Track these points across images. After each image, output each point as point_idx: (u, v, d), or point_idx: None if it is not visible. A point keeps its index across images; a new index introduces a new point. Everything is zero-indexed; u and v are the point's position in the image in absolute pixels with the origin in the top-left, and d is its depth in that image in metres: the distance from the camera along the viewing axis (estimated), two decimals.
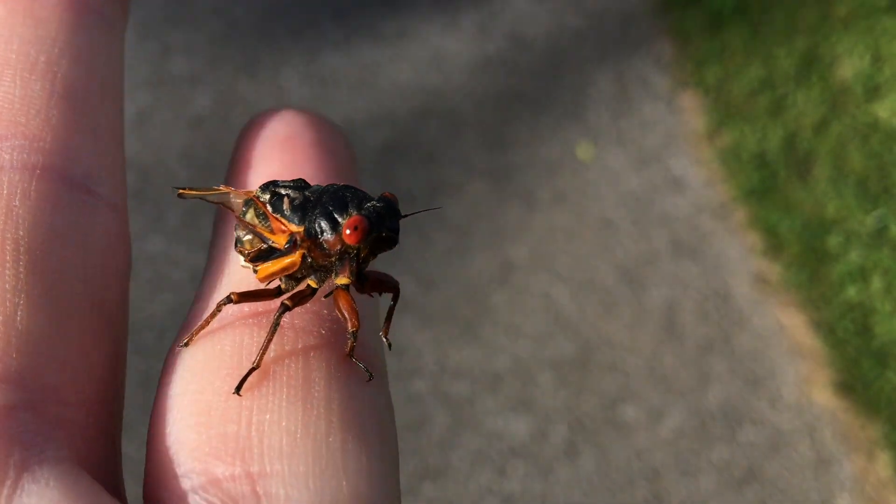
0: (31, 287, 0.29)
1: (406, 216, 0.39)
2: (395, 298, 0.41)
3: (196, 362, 0.33)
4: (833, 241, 2.05)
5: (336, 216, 0.37)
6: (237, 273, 0.38)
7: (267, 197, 0.38)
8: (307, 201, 0.38)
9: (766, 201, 2.12)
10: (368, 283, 0.39)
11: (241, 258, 0.38)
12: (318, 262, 0.38)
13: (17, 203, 0.30)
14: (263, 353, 0.32)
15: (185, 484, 0.29)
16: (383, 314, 0.40)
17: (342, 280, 0.37)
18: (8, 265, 0.29)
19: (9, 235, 0.30)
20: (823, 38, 2.43)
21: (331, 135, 0.42)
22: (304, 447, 0.29)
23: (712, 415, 1.82)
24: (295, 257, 0.38)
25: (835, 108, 2.29)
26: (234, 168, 0.42)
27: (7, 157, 0.32)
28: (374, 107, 2.22)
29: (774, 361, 1.89)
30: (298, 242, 0.38)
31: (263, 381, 0.31)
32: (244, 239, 0.39)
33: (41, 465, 0.27)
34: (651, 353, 1.88)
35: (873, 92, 2.32)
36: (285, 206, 0.38)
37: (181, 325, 0.35)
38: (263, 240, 0.38)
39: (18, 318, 0.28)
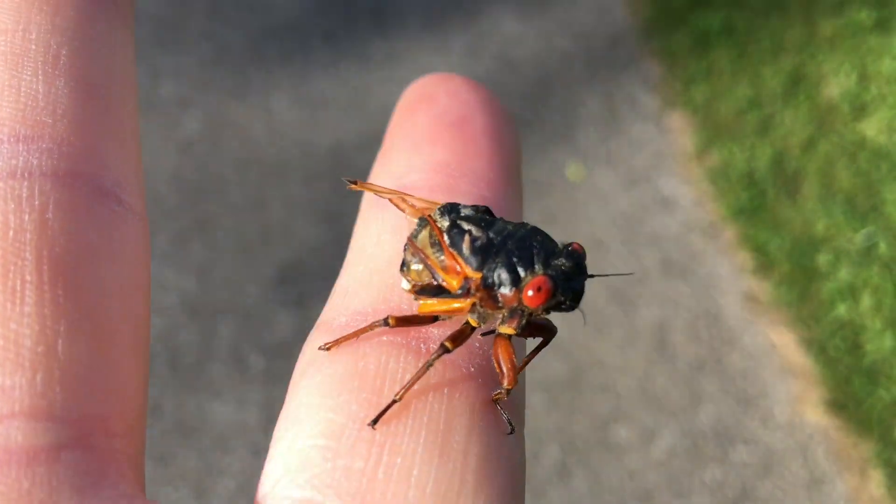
0: (72, 311, 0.27)
1: (592, 277, 0.36)
2: (546, 343, 0.38)
3: (336, 374, 0.31)
4: (822, 259, 2.06)
5: (519, 270, 0.34)
6: (392, 284, 0.35)
7: (446, 224, 0.35)
8: (490, 244, 0.34)
9: (755, 220, 2.12)
10: (528, 328, 0.36)
11: (404, 282, 0.35)
12: (487, 311, 0.35)
13: (51, 216, 0.28)
14: (408, 390, 0.30)
15: None
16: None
17: (507, 330, 0.34)
18: (46, 288, 0.27)
19: (45, 253, 0.27)
20: (810, 57, 2.45)
21: (502, 119, 0.39)
22: None
23: (704, 435, 1.81)
24: (465, 304, 0.34)
25: (822, 127, 2.31)
26: (393, 143, 0.38)
27: (35, 161, 0.29)
28: (363, 129, 2.22)
29: (766, 380, 1.88)
30: (473, 291, 0.34)
31: (402, 417, 0.29)
32: (413, 268, 0.35)
33: None
34: (643, 374, 1.88)
35: (860, 110, 2.33)
36: (465, 244, 0.34)
37: (320, 318, 0.33)
38: (434, 275, 0.35)
39: (60, 347, 0.26)
